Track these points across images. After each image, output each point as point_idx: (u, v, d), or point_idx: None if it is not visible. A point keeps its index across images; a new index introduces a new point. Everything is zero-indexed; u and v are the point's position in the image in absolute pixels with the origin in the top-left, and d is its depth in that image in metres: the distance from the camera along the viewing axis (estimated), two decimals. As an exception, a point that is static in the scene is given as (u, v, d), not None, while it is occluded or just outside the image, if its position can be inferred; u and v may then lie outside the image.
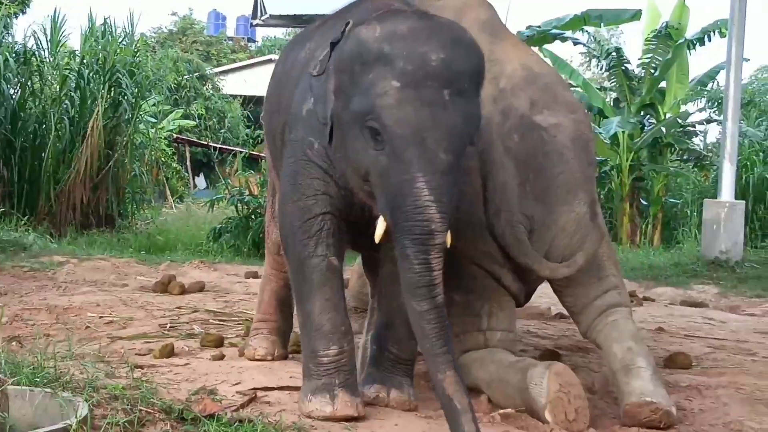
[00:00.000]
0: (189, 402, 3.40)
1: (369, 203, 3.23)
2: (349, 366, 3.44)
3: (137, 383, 3.55)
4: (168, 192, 18.90)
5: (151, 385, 3.61)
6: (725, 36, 12.34)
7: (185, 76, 25.25)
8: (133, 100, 13.41)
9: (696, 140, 17.86)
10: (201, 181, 25.15)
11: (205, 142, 23.83)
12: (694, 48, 15.38)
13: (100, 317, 5.74)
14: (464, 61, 2.98)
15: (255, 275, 8.58)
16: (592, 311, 3.92)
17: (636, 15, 13.46)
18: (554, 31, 12.36)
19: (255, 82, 30.48)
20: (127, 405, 3.22)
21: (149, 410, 3.22)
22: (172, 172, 19.95)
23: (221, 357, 4.48)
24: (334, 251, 3.45)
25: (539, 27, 12.27)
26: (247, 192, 12.19)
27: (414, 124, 2.88)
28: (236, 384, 3.87)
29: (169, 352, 4.52)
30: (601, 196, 16.51)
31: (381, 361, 3.60)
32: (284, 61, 4.19)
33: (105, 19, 13.91)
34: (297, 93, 3.58)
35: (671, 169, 16.26)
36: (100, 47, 13.36)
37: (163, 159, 18.01)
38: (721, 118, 12.03)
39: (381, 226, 3.08)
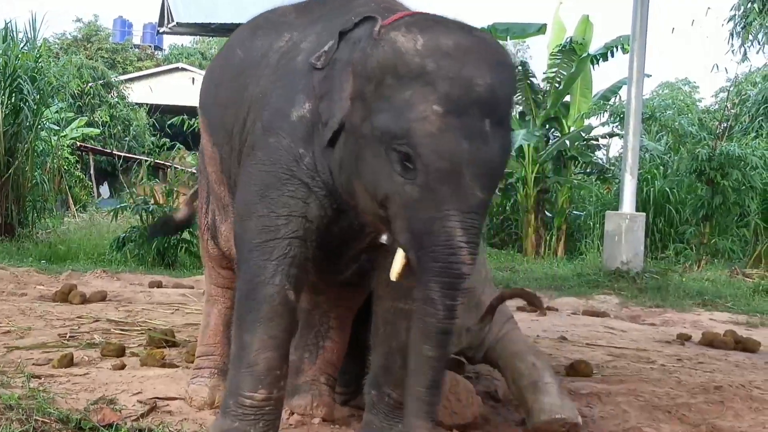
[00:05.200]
0: (87, 412, 3.33)
1: (377, 227, 2.87)
2: (273, 415, 3.05)
3: (33, 393, 3.48)
4: (71, 201, 18.52)
5: (48, 395, 3.55)
6: (628, 52, 12.62)
7: (90, 84, 24.81)
8: (35, 107, 13.09)
9: (599, 154, 18.23)
10: (105, 190, 24.75)
11: (110, 151, 23.46)
12: (598, 63, 15.74)
13: (-3, 327, 5.59)
14: (507, 87, 2.68)
15: (159, 285, 8.50)
16: (487, 341, 3.99)
17: (541, 29, 13.71)
18: (461, 43, 12.44)
19: (161, 90, 30.21)
20: (23, 415, 3.15)
21: (45, 420, 3.15)
22: (75, 181, 19.56)
23: (122, 366, 4.40)
24: (294, 283, 3.01)
25: (447, 39, 12.32)
26: (152, 201, 12.03)
27: (454, 157, 2.53)
28: (137, 393, 3.81)
29: (68, 362, 4.40)
30: (507, 208, 16.78)
31: (380, 408, 3.23)
32: (247, 48, 3.58)
33: (6, 23, 13.58)
34: (278, 90, 3.12)
35: (575, 181, 16.55)
36: (0, 52, 13.03)
37: (65, 167, 17.64)
38: (623, 132, 12.29)
39: (399, 261, 2.70)
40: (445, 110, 2.54)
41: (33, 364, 4.44)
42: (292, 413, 3.58)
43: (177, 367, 4.49)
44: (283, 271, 2.98)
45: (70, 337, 5.34)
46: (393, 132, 2.60)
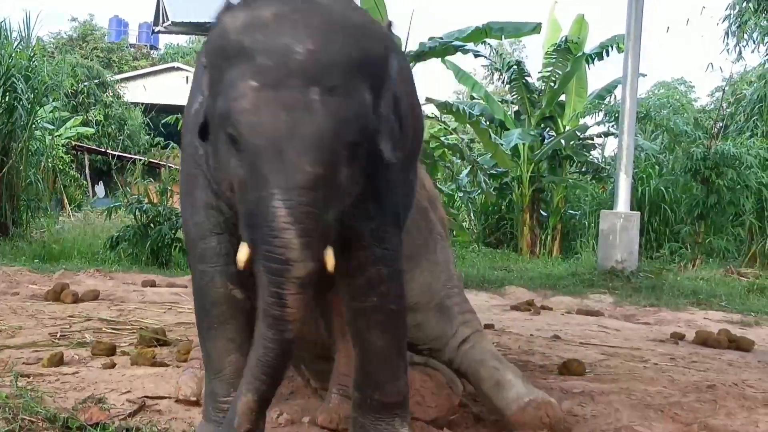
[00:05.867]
0: (75, 411, 3.31)
1: None
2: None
3: (21, 392, 3.45)
4: (65, 200, 18.50)
5: (37, 394, 3.52)
6: (623, 51, 12.62)
7: (85, 83, 24.79)
8: (29, 106, 13.09)
9: (594, 153, 18.23)
10: (100, 190, 24.70)
11: (107, 150, 23.44)
12: (593, 62, 15.75)
13: (-13, 326, 5.57)
14: (340, 51, 2.41)
15: (152, 284, 8.47)
16: (450, 349, 3.92)
17: (536, 28, 13.68)
18: (456, 43, 12.42)
19: (157, 89, 30.18)
20: (9, 414, 3.13)
21: (32, 419, 3.13)
22: (70, 180, 19.54)
23: (112, 365, 4.38)
24: (238, 281, 2.88)
25: (441, 39, 12.32)
26: (146, 200, 12.02)
27: (271, 132, 2.36)
28: (126, 392, 3.80)
29: (57, 361, 4.38)
30: (503, 207, 16.79)
31: (364, 407, 3.12)
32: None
33: (0, 22, 13.58)
34: (191, 89, 3.06)
35: (570, 180, 16.55)
36: (-6, 50, 13.03)
37: (60, 166, 17.62)
38: (618, 131, 12.30)
39: (243, 249, 2.50)
40: (261, 84, 2.38)
41: (23, 363, 4.42)
42: (281, 413, 3.56)
43: (167, 365, 4.47)
44: (222, 271, 2.89)
45: (60, 336, 5.32)
46: (223, 115, 2.47)
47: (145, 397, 3.72)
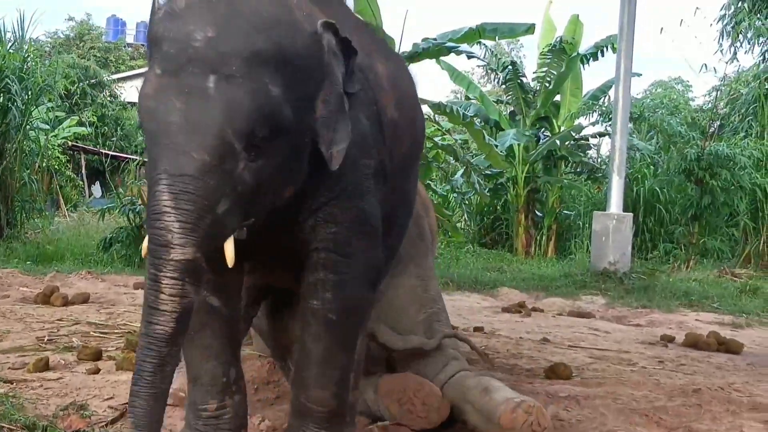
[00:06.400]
0: (55, 418, 3.31)
1: None
2: (232, 424, 3.03)
3: (1, 399, 3.44)
4: (61, 201, 18.47)
5: (18, 400, 3.52)
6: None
7: (81, 83, 24.76)
8: (23, 107, 13.07)
9: (591, 153, 18.19)
10: (97, 190, 24.68)
11: (102, 150, 23.42)
12: (588, 62, 15.71)
13: (-26, 330, 5.56)
14: (241, 41, 2.39)
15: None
16: (437, 381, 3.88)
17: (530, 29, 13.67)
18: (449, 44, 12.39)
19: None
20: (-12, 421, 3.12)
21: (11, 427, 3.13)
22: (66, 180, 19.51)
23: (96, 371, 4.37)
24: (213, 287, 2.89)
25: (435, 39, 12.29)
26: (139, 201, 12.00)
27: (163, 117, 2.35)
28: (109, 398, 3.80)
29: (43, 366, 4.38)
30: (498, 208, 16.78)
31: (293, 411, 3.06)
32: None
33: (-6, 23, 13.56)
34: None
35: (565, 181, 16.54)
36: (-13, 51, 13.00)
37: (56, 167, 17.59)
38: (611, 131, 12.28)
39: (147, 237, 2.42)
40: (162, 71, 2.39)
41: (8, 368, 4.42)
42: (263, 419, 3.56)
43: (153, 371, 4.46)
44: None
45: (48, 340, 5.32)
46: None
47: (127, 403, 3.70)
